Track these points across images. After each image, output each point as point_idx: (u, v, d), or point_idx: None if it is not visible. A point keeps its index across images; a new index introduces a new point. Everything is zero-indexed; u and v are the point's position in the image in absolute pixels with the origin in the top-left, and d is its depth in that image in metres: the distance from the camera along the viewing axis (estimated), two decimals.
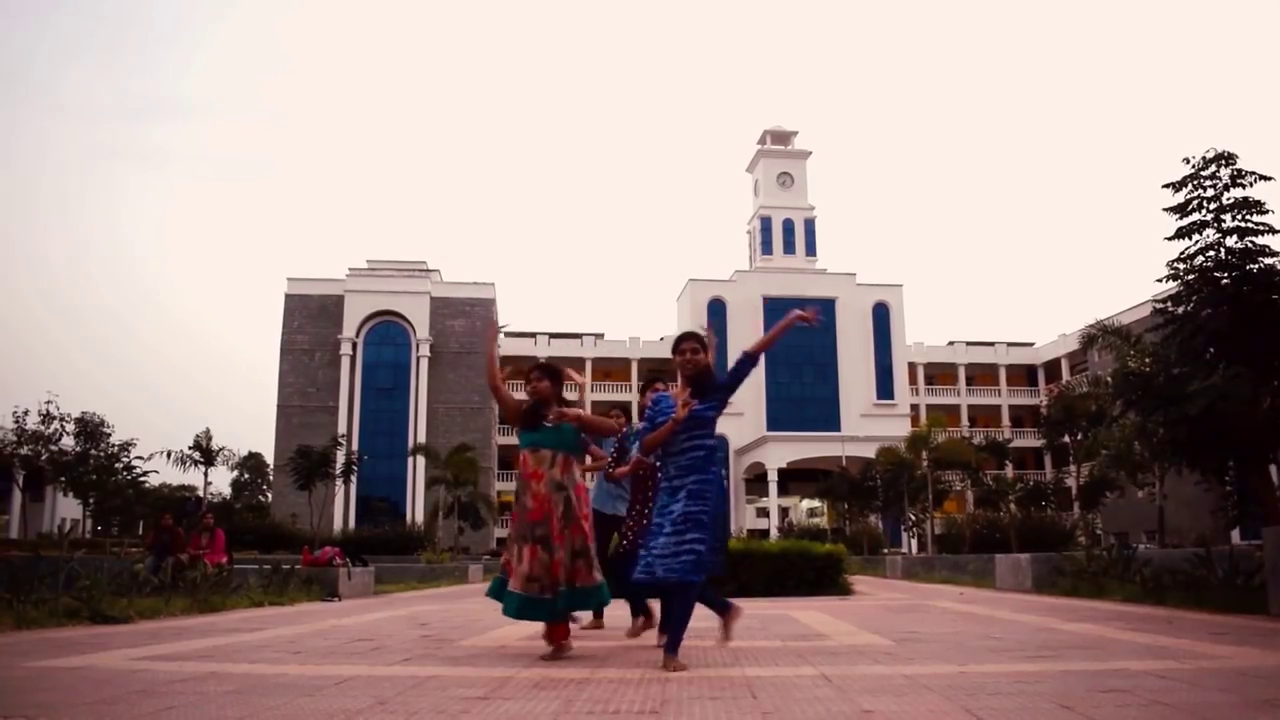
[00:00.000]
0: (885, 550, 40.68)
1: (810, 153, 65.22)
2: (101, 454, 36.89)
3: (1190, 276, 12.84)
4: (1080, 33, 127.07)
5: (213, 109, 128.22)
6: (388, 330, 56.31)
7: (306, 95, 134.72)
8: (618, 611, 6.83)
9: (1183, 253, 12.94)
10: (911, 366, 62.44)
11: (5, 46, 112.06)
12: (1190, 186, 12.97)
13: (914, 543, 46.66)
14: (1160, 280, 13.42)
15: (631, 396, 61.58)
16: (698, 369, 4.82)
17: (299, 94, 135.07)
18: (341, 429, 49.86)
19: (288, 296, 56.68)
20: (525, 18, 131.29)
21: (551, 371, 5.50)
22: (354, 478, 43.05)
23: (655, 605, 7.37)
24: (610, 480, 6.57)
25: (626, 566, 5.47)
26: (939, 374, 65.28)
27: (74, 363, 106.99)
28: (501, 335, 61.15)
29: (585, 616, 7.45)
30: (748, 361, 4.68)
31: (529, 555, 5.04)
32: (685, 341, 4.92)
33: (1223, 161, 12.74)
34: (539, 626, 7.62)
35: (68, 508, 46.16)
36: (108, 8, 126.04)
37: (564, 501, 5.13)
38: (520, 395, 5.63)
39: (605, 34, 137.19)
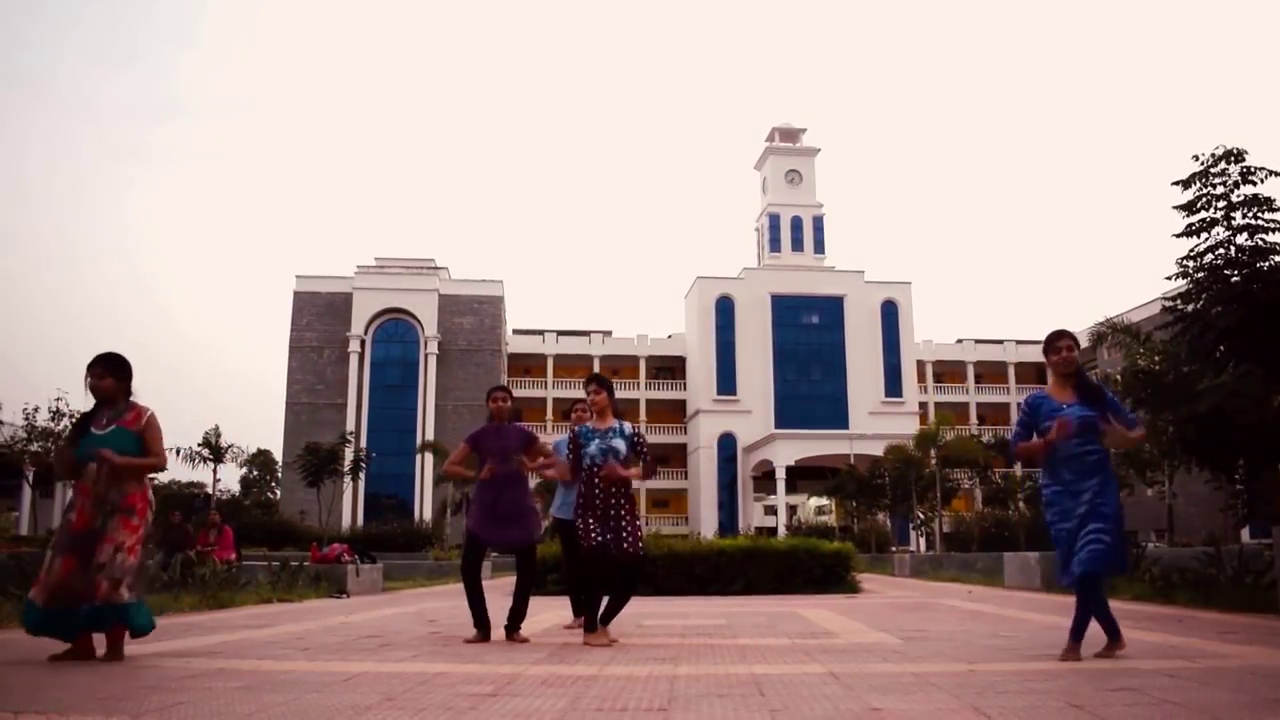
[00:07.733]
0: (893, 548, 40.66)
1: (819, 150, 65.04)
2: None
3: (1200, 274, 12.77)
4: (1089, 30, 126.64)
5: (217, 109, 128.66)
6: (396, 327, 56.38)
7: (313, 93, 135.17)
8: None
9: (1192, 250, 12.86)
10: (920, 364, 62.28)
11: (9, 46, 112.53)
12: (1199, 184, 12.88)
13: (922, 541, 46.59)
14: (1170, 278, 13.34)
15: (639, 394, 61.74)
16: (1074, 367, 4.75)
17: (305, 92, 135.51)
18: (350, 426, 49.87)
19: (296, 294, 56.81)
20: (533, 14, 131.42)
21: (117, 365, 4.98)
22: (362, 475, 43.14)
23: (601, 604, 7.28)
24: (566, 486, 6.35)
25: (604, 564, 5.44)
26: (947, 372, 65.16)
27: (82, 360, 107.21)
28: (509, 334, 61.21)
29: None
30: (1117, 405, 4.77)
31: (62, 566, 4.66)
32: (1061, 339, 4.77)
33: (1232, 158, 12.64)
34: (543, 624, 7.63)
35: None
36: (114, 6, 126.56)
37: (104, 517, 4.74)
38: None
39: (613, 31, 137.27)
